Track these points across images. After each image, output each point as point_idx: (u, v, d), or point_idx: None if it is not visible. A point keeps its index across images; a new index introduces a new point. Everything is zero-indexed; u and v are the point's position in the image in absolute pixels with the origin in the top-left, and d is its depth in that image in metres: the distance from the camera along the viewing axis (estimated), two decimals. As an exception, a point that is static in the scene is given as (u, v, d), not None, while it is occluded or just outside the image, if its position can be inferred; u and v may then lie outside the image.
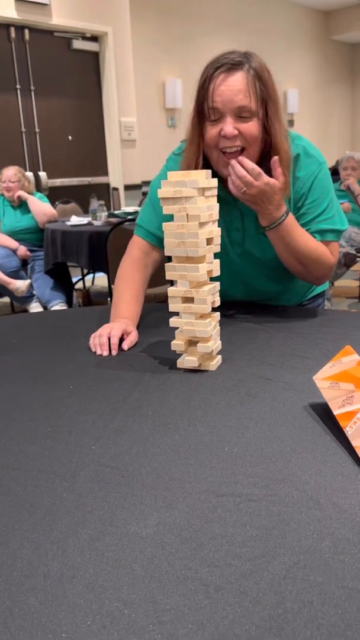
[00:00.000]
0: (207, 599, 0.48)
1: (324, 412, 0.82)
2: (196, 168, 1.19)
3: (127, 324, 1.18)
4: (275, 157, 1.12)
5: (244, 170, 1.10)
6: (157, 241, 1.31)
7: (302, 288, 1.43)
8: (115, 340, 1.13)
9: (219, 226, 1.25)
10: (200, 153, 1.19)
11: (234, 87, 1.09)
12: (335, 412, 0.76)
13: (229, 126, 1.11)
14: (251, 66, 1.11)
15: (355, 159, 4.07)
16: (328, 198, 1.25)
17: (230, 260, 1.33)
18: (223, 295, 1.38)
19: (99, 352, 1.12)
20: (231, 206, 1.26)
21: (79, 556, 0.54)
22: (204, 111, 1.14)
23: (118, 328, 1.15)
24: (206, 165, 1.21)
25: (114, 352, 1.11)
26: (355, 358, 0.79)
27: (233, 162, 1.11)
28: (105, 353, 1.11)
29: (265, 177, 1.10)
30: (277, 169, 1.13)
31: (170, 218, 0.98)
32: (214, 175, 1.19)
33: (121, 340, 1.15)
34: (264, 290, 1.39)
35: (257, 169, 1.10)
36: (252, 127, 1.12)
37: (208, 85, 1.11)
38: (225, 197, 1.23)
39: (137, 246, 1.33)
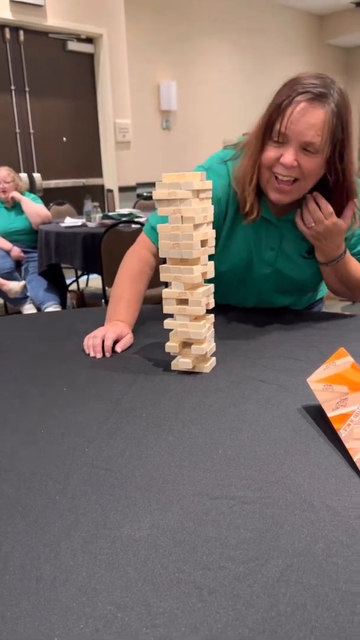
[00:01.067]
0: (200, 602, 0.48)
1: (317, 415, 0.82)
2: (250, 184, 1.16)
3: (122, 327, 1.17)
4: (353, 201, 1.12)
5: (316, 206, 1.11)
6: None
7: (310, 297, 1.44)
8: (109, 343, 1.12)
9: (253, 244, 1.25)
10: (256, 170, 1.14)
11: (309, 121, 1.04)
12: (329, 414, 0.76)
13: (290, 156, 1.07)
14: (334, 102, 1.05)
15: None
16: None
17: (252, 277, 1.32)
18: (233, 303, 1.38)
19: (92, 354, 1.12)
20: (271, 226, 1.25)
21: (72, 559, 0.54)
22: (271, 129, 1.09)
23: (113, 331, 1.15)
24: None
25: (107, 355, 1.11)
26: (349, 360, 0.79)
27: (308, 197, 1.12)
28: (99, 355, 1.11)
29: (335, 217, 1.11)
30: (349, 212, 1.13)
31: None
32: (259, 193, 1.18)
33: (116, 342, 1.15)
34: (276, 302, 1.39)
35: (330, 208, 1.11)
36: (313, 162, 1.08)
37: (286, 107, 1.05)
38: (267, 217, 1.23)
39: (146, 247, 1.28)
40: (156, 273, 1.22)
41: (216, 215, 1.23)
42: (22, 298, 3.55)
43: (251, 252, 1.28)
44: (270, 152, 1.10)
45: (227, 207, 1.24)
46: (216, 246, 1.30)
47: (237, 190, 1.20)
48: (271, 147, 1.10)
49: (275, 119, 1.07)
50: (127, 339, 1.16)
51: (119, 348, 1.13)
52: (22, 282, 3.50)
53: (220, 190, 1.22)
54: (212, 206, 1.01)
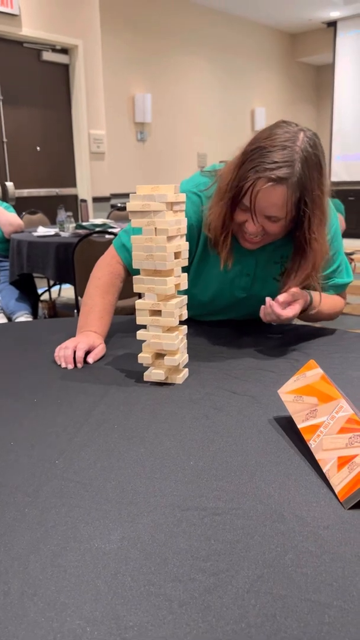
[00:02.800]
0: (170, 614, 0.48)
1: (288, 426, 0.83)
2: (224, 240, 1.18)
3: (94, 338, 1.17)
4: (286, 298, 1.12)
5: (273, 315, 1.12)
6: (132, 271, 1.27)
7: None
8: (80, 354, 1.11)
9: (227, 271, 1.26)
10: (228, 226, 1.17)
11: (271, 201, 1.06)
12: (299, 425, 0.77)
13: (252, 226, 1.12)
14: (296, 176, 1.04)
15: None
16: (341, 251, 1.29)
17: (225, 300, 1.33)
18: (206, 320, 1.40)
19: (63, 364, 1.11)
20: (246, 254, 1.25)
21: (40, 573, 0.53)
22: (238, 195, 1.10)
23: (85, 342, 1.14)
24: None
25: (79, 365, 1.10)
26: (319, 372, 0.81)
27: (267, 303, 1.12)
28: (70, 366, 1.10)
29: (290, 313, 1.11)
30: (295, 306, 1.13)
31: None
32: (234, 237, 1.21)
33: (88, 353, 1.14)
34: (251, 317, 1.41)
35: (283, 315, 1.11)
36: (276, 226, 1.11)
37: (250, 188, 1.06)
38: (240, 248, 1.24)
39: (116, 260, 1.27)
40: (129, 284, 1.22)
41: (188, 240, 1.24)
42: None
43: (225, 279, 1.29)
44: (238, 215, 1.14)
45: (199, 234, 1.25)
46: (188, 271, 1.31)
47: (210, 237, 1.22)
48: (240, 209, 1.13)
49: (242, 190, 1.08)
50: (99, 350, 1.15)
51: (90, 359, 1.12)
52: None
53: (193, 216, 1.23)
54: (185, 219, 1.02)
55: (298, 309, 1.13)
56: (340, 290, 1.33)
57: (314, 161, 1.06)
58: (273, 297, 1.30)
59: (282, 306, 1.12)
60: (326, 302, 1.27)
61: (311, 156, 1.06)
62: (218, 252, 1.22)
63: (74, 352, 1.12)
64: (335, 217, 1.26)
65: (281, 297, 1.11)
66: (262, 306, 1.14)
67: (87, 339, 1.15)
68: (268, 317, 1.13)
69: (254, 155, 1.06)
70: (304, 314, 1.22)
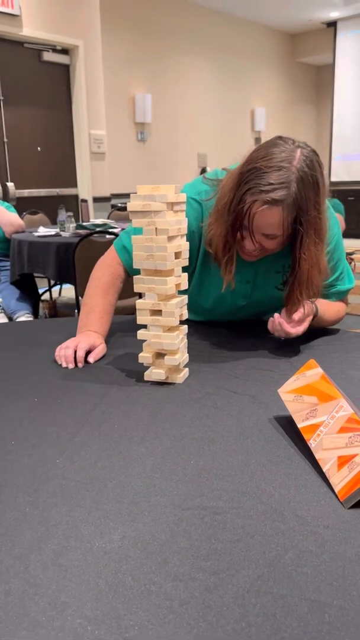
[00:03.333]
0: (171, 613, 0.48)
1: (288, 425, 0.83)
2: (225, 257, 1.17)
3: (95, 337, 1.17)
4: (297, 318, 1.12)
5: (282, 332, 1.13)
6: (132, 271, 1.27)
7: None
8: (81, 353, 1.12)
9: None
10: (229, 244, 1.16)
11: (268, 222, 1.06)
12: (299, 425, 0.77)
13: (250, 244, 1.12)
14: (292, 196, 1.03)
15: None
16: (343, 259, 1.29)
17: (227, 306, 1.34)
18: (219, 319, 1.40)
19: (64, 364, 1.11)
20: (247, 262, 1.24)
21: (41, 572, 0.53)
22: (237, 217, 1.10)
23: (85, 341, 1.14)
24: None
25: (79, 365, 1.11)
26: (319, 372, 0.81)
27: (277, 320, 1.12)
28: (71, 366, 1.10)
29: (300, 331, 1.12)
30: (299, 328, 1.13)
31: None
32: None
33: (88, 352, 1.14)
34: (256, 317, 1.41)
35: (295, 334, 1.12)
36: (274, 243, 1.12)
37: (247, 207, 1.06)
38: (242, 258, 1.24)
39: (117, 261, 1.27)
40: (129, 284, 1.22)
41: (190, 248, 1.24)
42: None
43: (228, 284, 1.27)
44: (237, 233, 1.14)
45: (200, 241, 1.25)
46: (190, 279, 1.32)
47: (211, 253, 1.22)
48: (236, 225, 1.12)
49: (240, 211, 1.08)
50: (100, 349, 1.16)
51: (91, 358, 1.12)
52: None
53: (194, 223, 1.23)
54: (186, 219, 1.02)
55: (306, 325, 1.14)
56: (342, 296, 1.34)
57: (311, 182, 1.05)
58: (274, 305, 1.31)
59: (293, 324, 1.13)
60: (329, 309, 1.28)
61: (308, 177, 1.04)
62: (221, 274, 1.21)
63: (75, 352, 1.12)
64: (336, 226, 1.26)
65: (296, 316, 1.11)
66: (271, 319, 1.14)
67: (87, 339, 1.15)
68: (277, 333, 1.14)
69: (250, 176, 1.05)
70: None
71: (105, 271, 1.27)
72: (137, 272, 1.26)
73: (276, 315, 1.13)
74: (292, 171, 1.03)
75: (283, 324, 1.11)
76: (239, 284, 1.27)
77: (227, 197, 1.11)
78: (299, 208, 1.05)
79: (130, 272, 1.27)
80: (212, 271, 1.28)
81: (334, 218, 1.25)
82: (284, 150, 1.05)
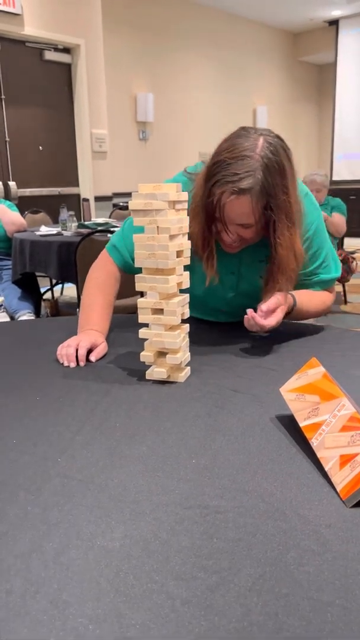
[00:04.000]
0: (173, 612, 0.48)
1: (290, 424, 0.83)
2: (205, 253, 1.19)
3: (96, 336, 1.17)
4: (270, 306, 1.11)
5: (256, 326, 1.12)
6: (125, 269, 1.30)
7: None
8: (83, 352, 1.12)
9: (217, 270, 1.25)
10: (207, 240, 1.18)
11: (238, 211, 1.07)
12: (301, 424, 0.77)
13: (228, 237, 1.13)
14: (259, 183, 1.04)
15: (317, 181, 4.16)
16: (326, 247, 1.28)
17: (217, 300, 1.33)
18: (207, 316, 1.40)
19: (66, 363, 1.11)
20: (229, 254, 1.25)
21: (43, 571, 0.53)
22: (210, 211, 1.11)
23: (87, 340, 1.14)
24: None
25: (81, 364, 1.10)
26: (321, 370, 0.81)
27: (249, 315, 1.12)
28: (73, 365, 1.10)
29: (273, 322, 1.11)
30: (277, 314, 1.13)
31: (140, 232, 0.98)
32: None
33: (90, 351, 1.14)
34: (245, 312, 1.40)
35: (268, 325, 1.11)
36: (250, 232, 1.13)
37: (216, 200, 1.08)
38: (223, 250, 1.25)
39: (110, 262, 1.29)
40: (130, 283, 1.22)
41: None
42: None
43: (212, 279, 1.27)
44: (212, 227, 1.15)
45: None
46: None
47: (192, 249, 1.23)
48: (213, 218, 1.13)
49: (210, 205, 1.10)
50: (102, 348, 1.16)
51: (93, 357, 1.12)
52: (1, 298, 3.45)
53: None
54: (187, 217, 1.02)
55: (280, 316, 1.13)
56: (327, 285, 1.32)
57: (276, 167, 1.06)
58: (259, 296, 1.31)
59: (265, 315, 1.12)
60: (312, 299, 1.27)
61: (272, 162, 1.05)
62: (203, 268, 1.22)
63: (77, 351, 1.12)
64: (316, 215, 1.25)
65: (264, 306, 1.11)
66: (245, 316, 1.13)
67: (89, 338, 1.15)
68: (252, 328, 1.14)
69: (216, 169, 1.06)
70: (288, 316, 1.22)
71: (100, 272, 1.29)
72: (131, 269, 1.27)
73: (249, 310, 1.12)
74: (255, 159, 1.04)
75: (255, 317, 1.10)
76: (225, 276, 1.28)
77: (199, 192, 1.13)
78: (267, 194, 1.06)
79: (124, 270, 1.29)
80: (196, 265, 1.28)
81: (312, 205, 1.24)
82: (247, 140, 1.06)
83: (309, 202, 1.23)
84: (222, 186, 1.05)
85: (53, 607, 0.49)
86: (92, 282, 1.28)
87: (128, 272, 1.30)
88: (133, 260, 1.27)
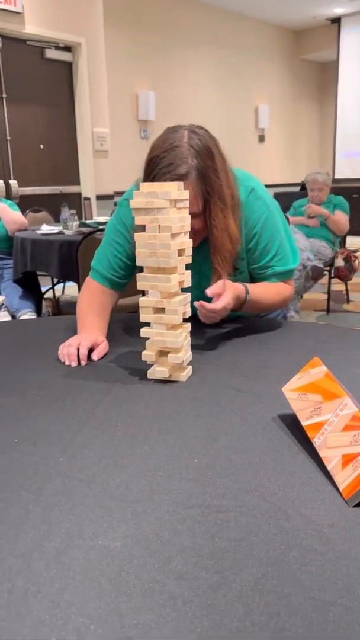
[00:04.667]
0: (175, 612, 0.48)
1: (292, 423, 0.83)
2: None
3: (97, 335, 1.18)
4: (214, 290, 1.12)
5: (205, 311, 1.12)
6: (112, 285, 1.32)
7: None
8: (84, 351, 1.11)
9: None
10: None
11: None
12: (304, 423, 0.77)
13: None
14: (195, 169, 1.11)
15: (319, 180, 4.16)
16: (278, 240, 1.29)
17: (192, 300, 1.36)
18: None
19: (67, 362, 1.11)
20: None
21: (44, 570, 0.53)
22: None
23: (88, 339, 1.14)
24: None
25: (82, 363, 1.10)
26: (323, 370, 0.80)
27: (197, 306, 1.12)
28: (74, 364, 1.10)
29: (220, 305, 1.11)
30: (218, 302, 1.13)
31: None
32: None
33: (91, 350, 1.14)
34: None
35: (218, 307, 1.11)
36: (198, 222, 1.17)
37: None
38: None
39: (94, 286, 1.32)
40: (132, 282, 1.23)
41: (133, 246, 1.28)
42: (-3, 307, 3.50)
43: None
44: None
45: None
46: None
47: None
48: None
49: None
50: (103, 347, 1.16)
51: (95, 356, 1.12)
52: (2, 298, 3.46)
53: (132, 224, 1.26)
54: (189, 216, 1.02)
55: (229, 297, 1.13)
56: (283, 277, 1.33)
57: (205, 152, 1.12)
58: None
59: (213, 300, 1.13)
60: (267, 290, 1.28)
61: (201, 147, 1.12)
62: None
63: (78, 350, 1.12)
64: (264, 210, 1.26)
65: (208, 291, 1.12)
66: (197, 309, 1.14)
67: (89, 336, 1.15)
68: (206, 318, 1.14)
69: (152, 166, 1.13)
70: (244, 307, 1.23)
71: (86, 292, 1.32)
72: (117, 284, 1.31)
73: (197, 302, 1.13)
74: (185, 147, 1.11)
75: (203, 304, 1.11)
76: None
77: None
78: (203, 177, 1.12)
79: (111, 286, 1.32)
80: None
81: (259, 200, 1.26)
82: (175, 134, 1.13)
83: (254, 198, 1.26)
84: (162, 177, 1.10)
85: (54, 607, 0.49)
86: (81, 302, 1.30)
87: (115, 287, 1.33)
88: (115, 275, 1.31)
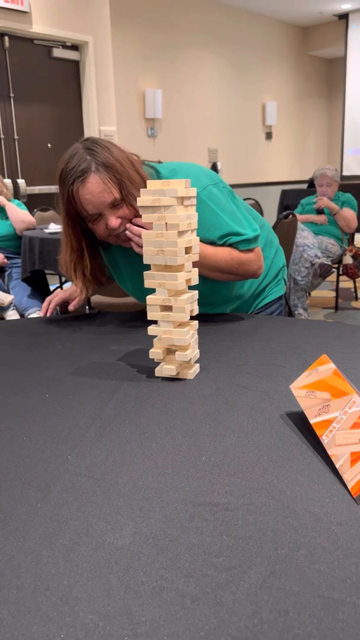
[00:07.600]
0: (183, 609, 0.48)
1: (300, 421, 0.82)
2: (77, 272, 1.33)
3: (71, 291, 1.39)
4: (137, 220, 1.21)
5: (138, 228, 1.20)
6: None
7: (232, 304, 1.46)
8: (54, 304, 1.39)
9: (132, 269, 1.38)
10: (83, 256, 1.33)
11: (95, 192, 1.18)
12: (312, 420, 0.76)
13: (112, 220, 1.21)
14: (98, 163, 1.18)
15: (328, 175, 4.14)
16: (222, 216, 1.29)
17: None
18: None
19: (41, 314, 1.34)
20: (125, 259, 1.39)
21: (53, 567, 0.54)
22: (82, 216, 1.24)
23: (61, 294, 1.37)
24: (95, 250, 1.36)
25: (49, 314, 1.35)
26: (331, 367, 0.80)
27: (128, 225, 1.21)
28: (49, 313, 1.33)
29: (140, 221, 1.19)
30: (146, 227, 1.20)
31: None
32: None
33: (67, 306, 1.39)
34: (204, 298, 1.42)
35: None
36: (127, 211, 1.22)
37: (74, 199, 1.21)
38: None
39: None
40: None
41: None
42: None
43: (137, 276, 1.38)
44: (99, 228, 1.24)
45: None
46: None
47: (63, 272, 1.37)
48: (94, 225, 1.24)
49: (76, 209, 1.23)
50: (78, 300, 1.37)
51: (71, 307, 1.34)
52: (11, 297, 3.47)
53: None
54: (196, 213, 1.02)
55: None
56: (240, 247, 1.30)
57: (97, 147, 1.20)
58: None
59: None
60: (217, 249, 1.29)
61: (91, 145, 1.20)
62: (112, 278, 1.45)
63: (49, 303, 1.37)
64: (198, 205, 1.27)
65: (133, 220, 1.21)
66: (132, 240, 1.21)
67: (63, 293, 1.38)
68: (138, 247, 1.20)
69: (62, 179, 1.21)
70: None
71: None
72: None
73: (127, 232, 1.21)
74: (80, 150, 1.20)
75: (131, 227, 1.19)
76: (138, 277, 1.38)
77: (63, 208, 1.25)
78: (105, 166, 1.18)
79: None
80: (120, 264, 1.40)
81: (202, 202, 1.27)
82: (71, 150, 1.23)
83: (200, 202, 1.27)
84: (70, 182, 1.18)
85: (63, 604, 0.49)
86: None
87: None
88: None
